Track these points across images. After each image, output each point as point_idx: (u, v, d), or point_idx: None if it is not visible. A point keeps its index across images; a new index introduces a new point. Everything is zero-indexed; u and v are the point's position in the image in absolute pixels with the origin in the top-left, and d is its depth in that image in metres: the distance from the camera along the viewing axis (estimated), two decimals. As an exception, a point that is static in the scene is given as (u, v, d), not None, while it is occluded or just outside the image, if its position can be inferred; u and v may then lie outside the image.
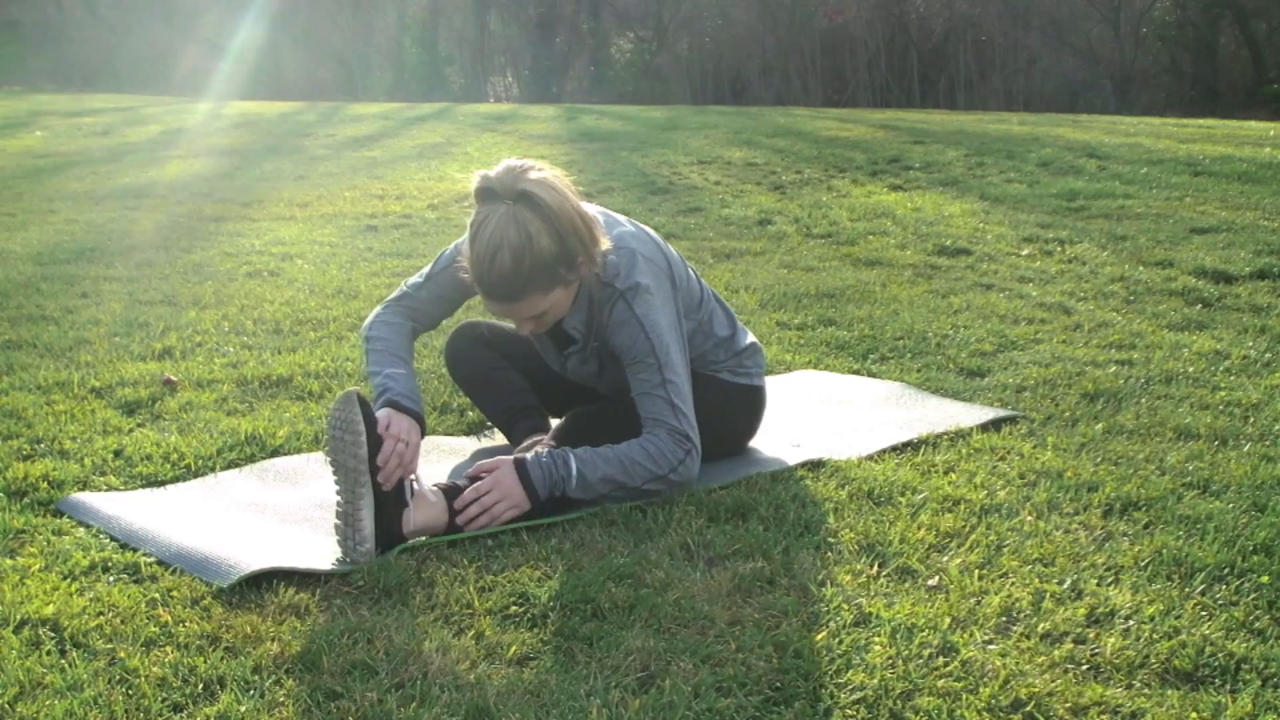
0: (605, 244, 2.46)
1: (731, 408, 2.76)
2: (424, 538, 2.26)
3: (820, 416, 3.06)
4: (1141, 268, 5.11)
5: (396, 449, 2.28)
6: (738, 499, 2.40)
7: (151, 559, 2.12)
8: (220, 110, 16.65)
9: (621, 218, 2.64)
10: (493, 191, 2.33)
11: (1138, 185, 7.76)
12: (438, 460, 2.76)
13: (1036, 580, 2.05)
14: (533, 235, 2.33)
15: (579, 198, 2.44)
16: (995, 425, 2.94)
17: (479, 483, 2.36)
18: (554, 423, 2.76)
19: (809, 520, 2.29)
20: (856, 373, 3.51)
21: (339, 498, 2.21)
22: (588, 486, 2.38)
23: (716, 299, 2.79)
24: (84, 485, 2.51)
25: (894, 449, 2.76)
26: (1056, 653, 1.80)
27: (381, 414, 2.35)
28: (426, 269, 2.70)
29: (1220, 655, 1.79)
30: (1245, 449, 2.75)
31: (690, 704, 1.64)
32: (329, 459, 2.24)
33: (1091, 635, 1.86)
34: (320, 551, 2.16)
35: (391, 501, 2.24)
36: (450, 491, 2.34)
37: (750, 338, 2.82)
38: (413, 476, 2.31)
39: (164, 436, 2.83)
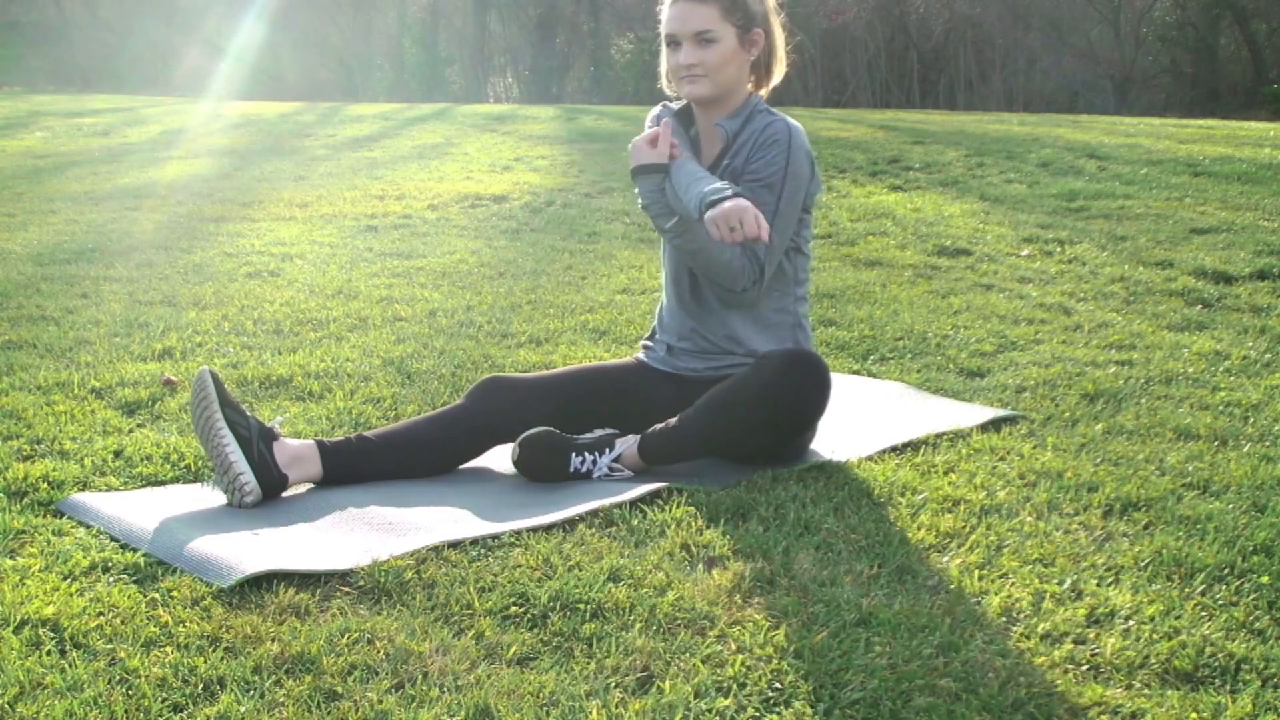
0: (779, 72, 2.79)
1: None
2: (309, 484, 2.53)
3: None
4: (1141, 268, 5.12)
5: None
6: (738, 499, 2.40)
7: (151, 559, 2.12)
8: (220, 110, 16.64)
9: None
10: None
11: (1138, 185, 7.76)
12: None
13: (1036, 580, 2.05)
14: None
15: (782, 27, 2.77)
16: (995, 425, 2.94)
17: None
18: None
19: (809, 520, 2.29)
20: (856, 373, 3.51)
21: (211, 457, 2.42)
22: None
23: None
24: (84, 485, 2.51)
25: (894, 449, 2.76)
26: (1056, 653, 1.80)
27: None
28: None
29: (1220, 655, 1.79)
30: (1245, 449, 2.75)
31: (690, 704, 1.64)
32: (195, 432, 2.47)
33: (1091, 635, 1.86)
34: (320, 552, 2.16)
35: (255, 439, 2.44)
36: (323, 445, 2.56)
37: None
38: (277, 420, 2.55)
39: (164, 437, 2.83)
